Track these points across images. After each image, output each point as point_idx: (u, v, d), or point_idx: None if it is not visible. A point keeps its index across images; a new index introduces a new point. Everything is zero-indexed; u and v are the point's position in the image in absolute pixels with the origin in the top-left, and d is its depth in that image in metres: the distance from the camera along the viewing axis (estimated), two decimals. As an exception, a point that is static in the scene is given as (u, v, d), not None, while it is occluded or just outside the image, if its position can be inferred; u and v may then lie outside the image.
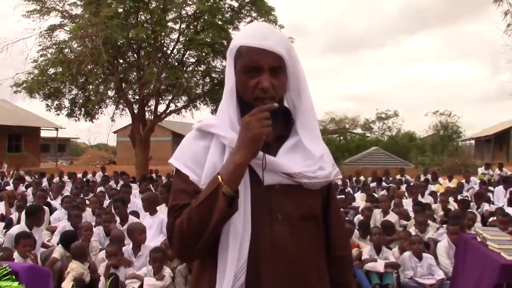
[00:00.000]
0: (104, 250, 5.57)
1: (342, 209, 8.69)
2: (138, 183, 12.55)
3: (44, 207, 8.00)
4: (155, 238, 6.31)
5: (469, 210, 7.64)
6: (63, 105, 18.02)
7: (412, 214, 7.80)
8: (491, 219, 7.34)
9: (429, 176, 14.79)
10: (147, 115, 19.12)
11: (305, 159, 1.55)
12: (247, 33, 1.55)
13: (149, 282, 5.05)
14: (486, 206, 8.78)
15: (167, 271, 5.15)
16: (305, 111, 1.59)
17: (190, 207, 1.41)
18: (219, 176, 1.39)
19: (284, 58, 1.51)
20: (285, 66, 1.53)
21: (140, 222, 6.21)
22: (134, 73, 17.42)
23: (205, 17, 17.12)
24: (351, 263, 1.81)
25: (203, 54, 17.43)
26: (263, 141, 1.40)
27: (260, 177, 1.48)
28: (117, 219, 6.78)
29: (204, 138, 1.54)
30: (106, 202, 9.06)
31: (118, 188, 11.07)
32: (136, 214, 7.37)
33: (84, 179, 14.89)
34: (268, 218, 1.48)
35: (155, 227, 6.45)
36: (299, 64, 1.58)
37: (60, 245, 5.77)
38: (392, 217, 7.46)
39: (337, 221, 1.73)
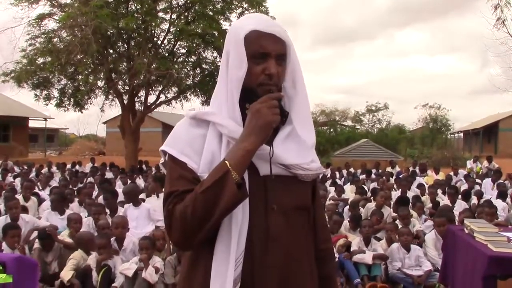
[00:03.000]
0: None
1: (332, 201, 8.76)
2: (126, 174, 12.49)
3: (32, 197, 7.99)
4: (144, 227, 6.31)
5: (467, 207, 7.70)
6: (52, 95, 17.85)
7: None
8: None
9: (416, 169, 14.88)
10: (137, 105, 19.00)
11: (299, 149, 1.55)
12: (256, 20, 1.55)
13: (124, 267, 5.05)
14: (474, 200, 8.88)
15: (157, 260, 5.14)
16: (299, 101, 1.59)
17: (195, 193, 1.38)
18: (226, 162, 1.38)
19: (288, 47, 1.53)
20: (287, 56, 1.54)
21: (121, 216, 6.12)
22: (124, 64, 17.26)
23: (196, 7, 16.99)
24: (333, 256, 1.83)
25: (194, 44, 17.31)
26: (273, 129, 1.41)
27: (256, 167, 1.48)
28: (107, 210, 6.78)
29: (199, 126, 1.52)
30: (95, 193, 9.03)
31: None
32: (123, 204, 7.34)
33: (73, 170, 14.81)
34: (263, 208, 1.48)
35: (142, 217, 6.44)
36: (297, 56, 1.60)
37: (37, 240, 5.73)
38: (385, 209, 7.52)
39: (321, 215, 1.76)
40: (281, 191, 1.51)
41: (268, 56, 1.49)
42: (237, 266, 1.41)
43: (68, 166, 16.14)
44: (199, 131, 1.51)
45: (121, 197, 8.37)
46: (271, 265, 1.46)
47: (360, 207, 7.94)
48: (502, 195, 8.72)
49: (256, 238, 1.46)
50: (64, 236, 5.89)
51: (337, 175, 13.79)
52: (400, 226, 6.29)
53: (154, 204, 6.63)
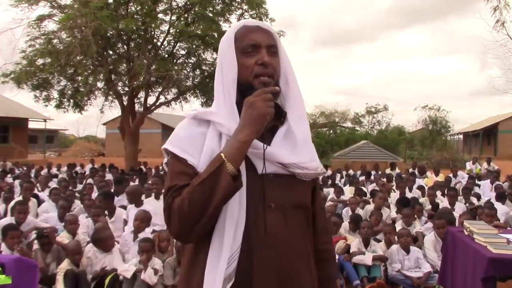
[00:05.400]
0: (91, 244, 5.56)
1: (331, 202, 8.75)
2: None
3: (32, 199, 7.98)
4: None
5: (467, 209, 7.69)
6: (52, 96, 17.81)
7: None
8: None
9: (415, 171, 14.86)
10: (136, 107, 18.99)
11: (295, 147, 1.58)
12: (243, 21, 1.65)
13: (123, 268, 5.05)
14: (473, 200, 8.88)
15: (156, 261, 5.13)
16: (294, 98, 1.62)
17: (192, 185, 1.41)
18: (222, 154, 1.41)
19: (277, 39, 1.60)
20: (277, 48, 1.60)
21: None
22: (124, 65, 17.25)
23: (196, 9, 16.97)
24: (333, 258, 1.84)
25: (194, 46, 17.31)
26: (266, 123, 1.44)
27: (254, 166, 1.51)
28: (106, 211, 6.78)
29: (199, 126, 1.56)
30: (94, 194, 9.02)
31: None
32: (124, 207, 7.33)
33: (72, 171, 14.81)
34: (261, 207, 1.50)
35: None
36: (286, 53, 1.64)
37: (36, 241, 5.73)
38: (384, 211, 7.52)
39: (321, 216, 1.77)
40: (279, 190, 1.53)
41: (259, 47, 1.55)
42: (231, 262, 1.42)
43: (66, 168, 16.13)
44: (199, 129, 1.55)
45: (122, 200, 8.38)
46: (269, 262, 1.47)
47: (359, 209, 7.95)
48: (500, 196, 8.73)
49: (254, 235, 1.47)
50: (63, 237, 5.89)
51: (338, 176, 13.80)
52: (398, 228, 6.29)
53: (154, 206, 6.62)
